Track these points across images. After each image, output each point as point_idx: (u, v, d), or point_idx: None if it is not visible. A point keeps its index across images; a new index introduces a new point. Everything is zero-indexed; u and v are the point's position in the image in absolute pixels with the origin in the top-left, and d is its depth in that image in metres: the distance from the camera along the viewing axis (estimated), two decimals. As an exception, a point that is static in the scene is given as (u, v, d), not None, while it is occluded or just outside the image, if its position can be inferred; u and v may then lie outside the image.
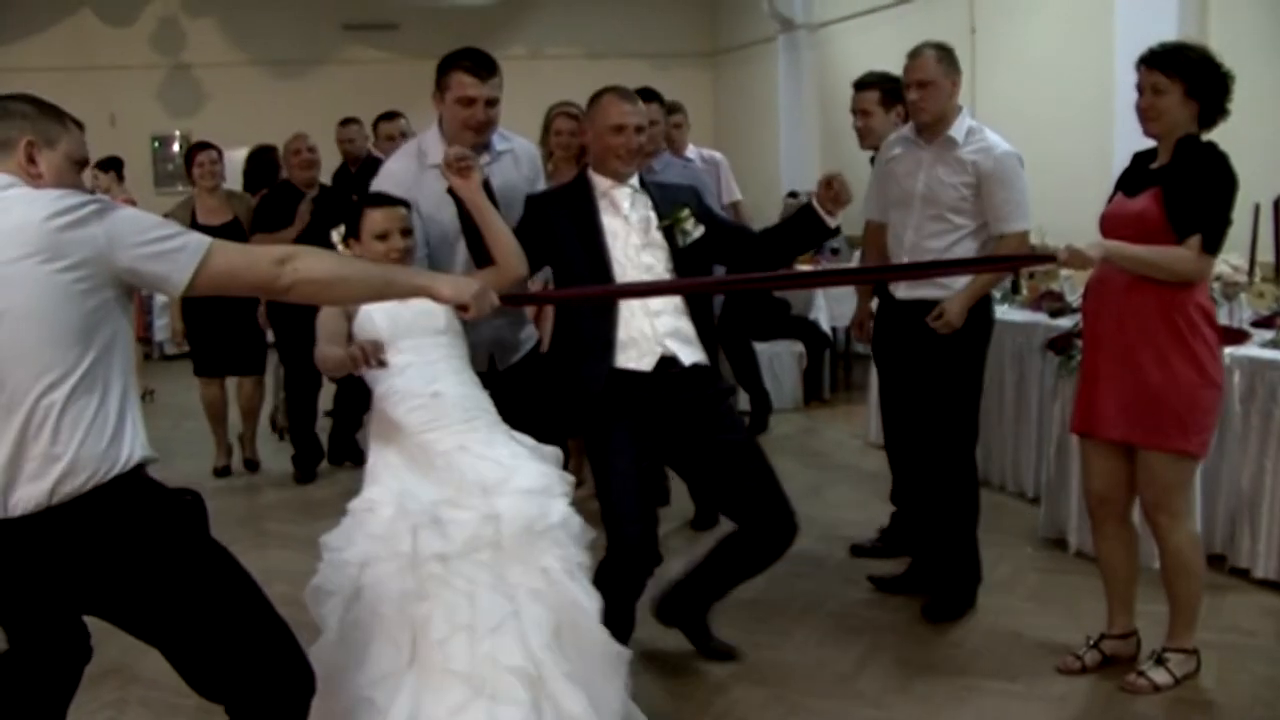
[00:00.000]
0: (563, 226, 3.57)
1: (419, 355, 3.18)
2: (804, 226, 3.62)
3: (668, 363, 3.51)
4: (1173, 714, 3.42)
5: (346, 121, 7.29)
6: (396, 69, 11.82)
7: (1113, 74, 6.55)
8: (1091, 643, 3.70)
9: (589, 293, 3.54)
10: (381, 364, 2.99)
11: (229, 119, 10.80)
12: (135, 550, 2.35)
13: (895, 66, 4.38)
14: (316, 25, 11.86)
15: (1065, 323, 5.07)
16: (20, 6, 11.25)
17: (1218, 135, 5.76)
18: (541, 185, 3.97)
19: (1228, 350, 4.36)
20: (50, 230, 2.20)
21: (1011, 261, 4.52)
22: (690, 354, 3.56)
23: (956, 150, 4.16)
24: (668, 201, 3.67)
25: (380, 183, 3.66)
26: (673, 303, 3.59)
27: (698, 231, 3.61)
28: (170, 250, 2.31)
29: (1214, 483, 4.47)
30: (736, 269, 3.86)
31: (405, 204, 3.38)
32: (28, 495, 2.25)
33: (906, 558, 4.53)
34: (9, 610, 2.48)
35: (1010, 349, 5.58)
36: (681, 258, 3.60)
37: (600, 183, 3.64)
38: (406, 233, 3.30)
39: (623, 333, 3.52)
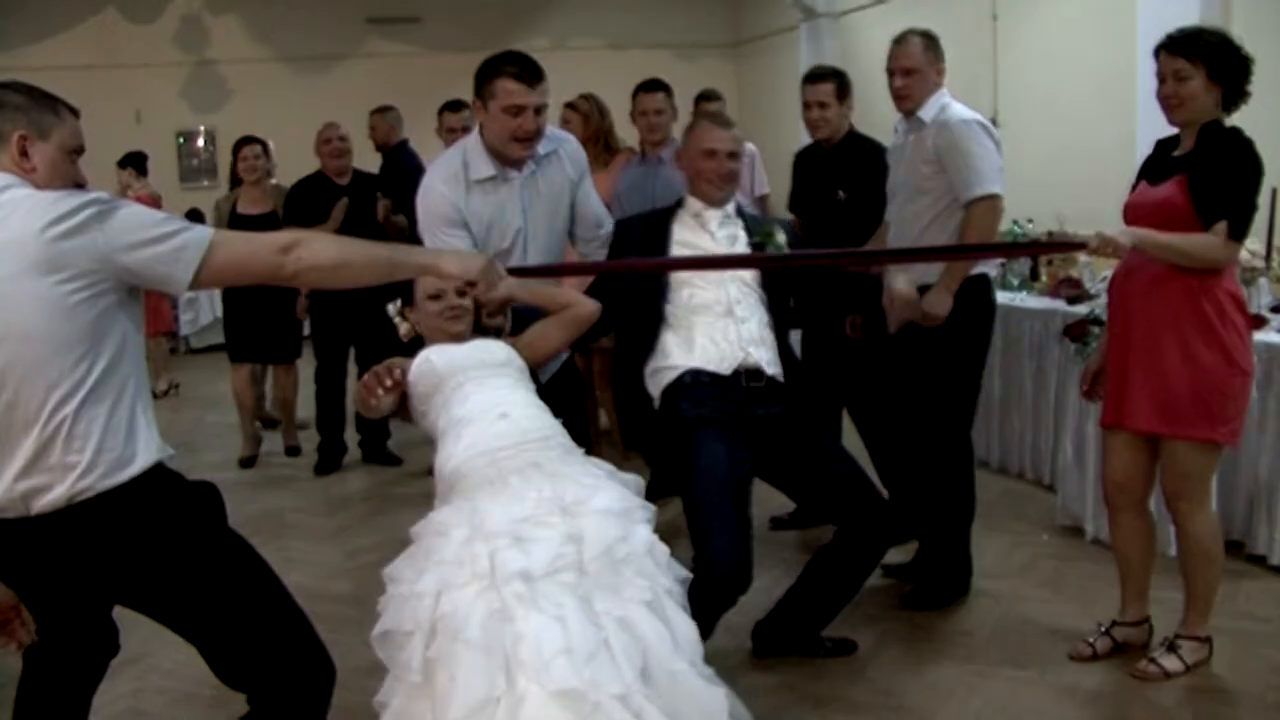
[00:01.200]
0: (641, 246, 3.64)
1: (480, 387, 2.99)
2: (854, 297, 3.75)
3: (752, 374, 3.49)
4: (1183, 700, 3.40)
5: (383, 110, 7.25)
6: (420, 63, 11.90)
7: (1135, 60, 6.50)
8: (1103, 629, 3.69)
9: (603, 266, 3.62)
10: (395, 384, 2.99)
11: (253, 115, 10.86)
12: (154, 542, 2.37)
13: None
14: (339, 20, 11.95)
15: (1083, 310, 5.04)
16: (45, 5, 11.37)
17: (1237, 119, 5.73)
18: (588, 177, 3.85)
19: (1244, 336, 4.34)
20: (48, 241, 2.16)
21: (1042, 248, 4.49)
22: (772, 366, 3.54)
23: (923, 129, 4.15)
24: (760, 230, 3.74)
25: (426, 200, 3.57)
26: (759, 314, 3.58)
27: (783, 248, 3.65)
28: (171, 249, 2.26)
29: (1232, 469, 4.44)
30: (802, 317, 3.83)
31: None
32: (47, 500, 2.27)
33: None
34: (35, 604, 2.50)
35: (1029, 336, 5.56)
36: (768, 283, 3.62)
37: (693, 204, 3.70)
38: (462, 293, 3.08)
39: (701, 335, 3.50)
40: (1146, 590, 3.69)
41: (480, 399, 2.93)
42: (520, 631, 2.42)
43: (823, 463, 3.54)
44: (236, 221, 6.35)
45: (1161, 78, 3.36)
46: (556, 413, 3.07)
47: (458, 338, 3.16)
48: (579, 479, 2.73)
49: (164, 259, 2.25)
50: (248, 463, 6.77)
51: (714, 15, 12.79)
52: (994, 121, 8.32)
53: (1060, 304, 5.44)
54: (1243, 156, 3.30)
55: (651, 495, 3.22)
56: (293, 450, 6.90)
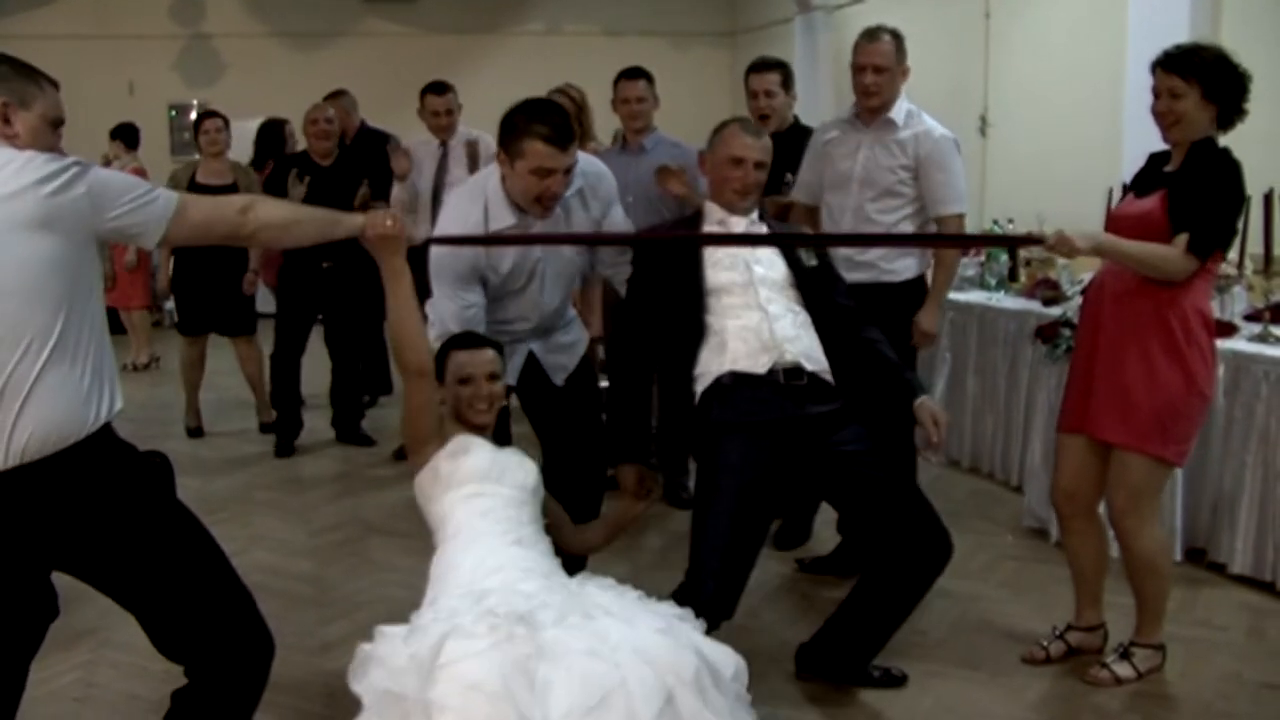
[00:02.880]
0: (666, 257, 3.47)
1: (500, 502, 2.85)
2: (891, 384, 3.45)
3: (791, 372, 3.29)
4: (1131, 706, 3.40)
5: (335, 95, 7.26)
6: (415, 43, 11.88)
7: (1124, 62, 6.51)
8: (1058, 633, 3.69)
9: (580, 238, 3.56)
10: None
11: (246, 90, 10.86)
12: (101, 507, 2.39)
13: (911, 48, 4.36)
14: (336, -2, 11.90)
15: (1056, 312, 5.03)
16: (43, -27, 11.33)
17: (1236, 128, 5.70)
18: (616, 207, 3.69)
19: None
20: (41, 197, 2.25)
21: (1001, 242, 4.52)
22: (814, 363, 3.35)
23: (895, 133, 4.22)
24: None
25: (443, 254, 3.39)
26: (794, 314, 3.40)
27: (813, 260, 3.56)
28: (145, 204, 2.40)
29: (1197, 476, 4.44)
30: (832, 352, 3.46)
31: (497, 346, 3.15)
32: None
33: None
34: None
35: (1004, 336, 5.55)
36: (809, 291, 3.47)
37: (714, 212, 3.54)
38: (494, 377, 3.04)
39: (733, 338, 3.33)
40: (1100, 595, 3.69)
41: (499, 520, 2.81)
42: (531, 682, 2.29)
43: (876, 473, 3.30)
44: (195, 190, 6.27)
45: (1156, 94, 3.34)
46: (572, 416, 3.09)
47: (482, 430, 3.03)
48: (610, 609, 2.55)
49: (138, 212, 2.39)
50: (194, 432, 6.83)
51: (710, 4, 12.74)
52: (983, 120, 8.39)
53: (1036, 305, 5.43)
54: (1224, 176, 3.28)
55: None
56: (266, 427, 6.87)
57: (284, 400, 6.54)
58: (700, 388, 3.33)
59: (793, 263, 3.49)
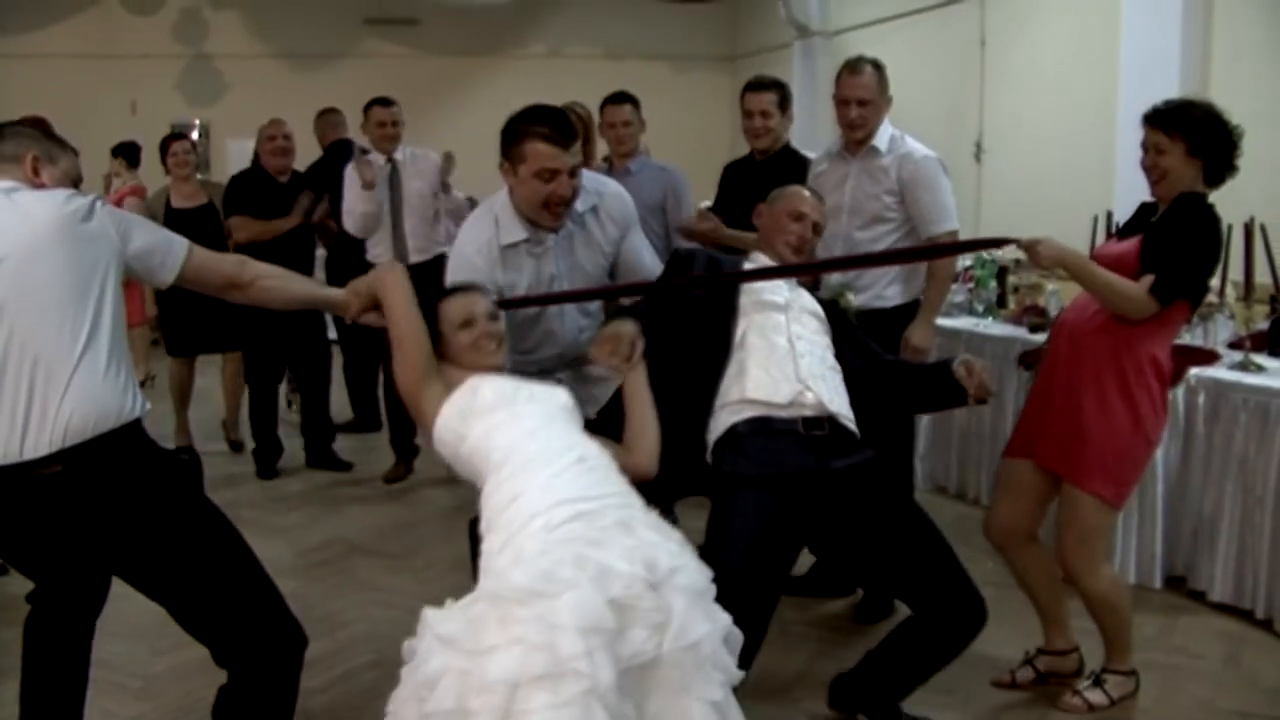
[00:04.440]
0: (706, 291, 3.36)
1: (546, 421, 2.58)
2: (940, 388, 3.30)
3: (811, 422, 3.12)
4: (1102, 733, 3.41)
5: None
6: (416, 64, 11.94)
7: (1116, 90, 6.56)
8: (1028, 658, 3.70)
9: (595, 293, 3.46)
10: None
11: (248, 110, 10.83)
12: (137, 497, 2.58)
13: (908, 75, 4.46)
14: (338, 19, 11.96)
15: (1041, 338, 5.05)
16: (48, -7, 11.41)
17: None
18: (636, 229, 3.59)
19: (1194, 371, 4.35)
20: (68, 220, 2.54)
21: (975, 246, 4.57)
22: (838, 406, 3.18)
23: (879, 159, 4.27)
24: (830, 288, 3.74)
25: (457, 272, 3.29)
26: (823, 353, 3.28)
27: (855, 306, 3.57)
28: (163, 249, 2.71)
29: (1177, 503, 4.46)
30: (870, 399, 3.35)
31: (480, 288, 2.99)
32: (41, 441, 2.48)
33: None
34: (22, 554, 2.71)
35: (989, 361, 5.54)
36: (843, 342, 3.38)
37: (760, 260, 3.46)
38: (494, 315, 2.86)
39: (755, 366, 3.18)
40: (1064, 619, 3.69)
41: (551, 436, 2.52)
42: None
43: (906, 533, 3.10)
44: (171, 215, 6.35)
45: (1145, 149, 3.38)
46: (616, 438, 2.78)
47: (498, 369, 2.81)
48: (666, 546, 2.36)
49: (158, 256, 2.69)
50: (183, 452, 6.79)
51: (710, 28, 12.79)
52: (978, 147, 8.42)
53: (1022, 331, 5.45)
54: (1202, 228, 3.30)
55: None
56: (237, 445, 6.92)
57: (262, 424, 6.50)
58: (716, 425, 3.18)
59: (834, 318, 3.43)
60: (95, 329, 2.53)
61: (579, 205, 3.32)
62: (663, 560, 2.27)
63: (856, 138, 4.28)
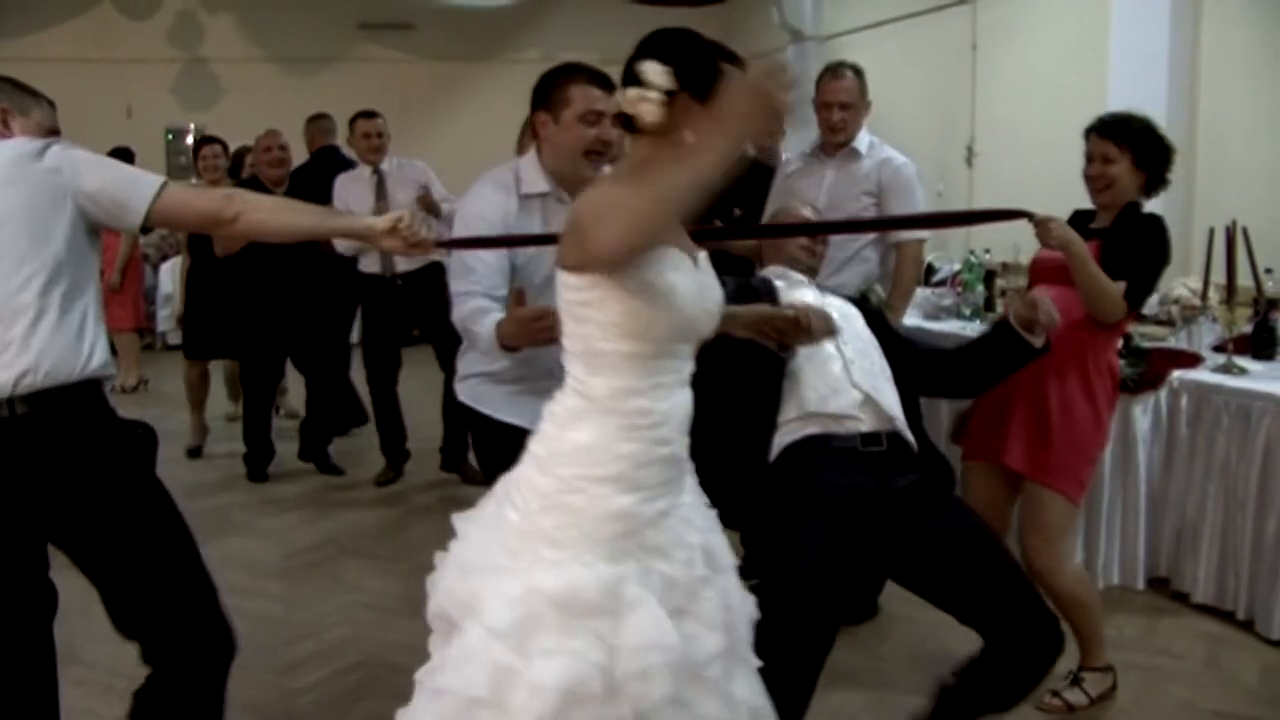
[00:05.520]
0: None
1: (679, 377, 2.21)
2: (1005, 348, 3.14)
3: (867, 439, 2.99)
4: (1080, 734, 3.43)
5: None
6: (412, 69, 11.98)
7: (1105, 94, 6.56)
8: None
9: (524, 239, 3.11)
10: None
11: (243, 114, 10.88)
12: (84, 461, 2.46)
13: (900, 79, 4.56)
14: (333, 24, 11.95)
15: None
16: (43, -2, 11.43)
17: (1211, 160, 5.80)
18: None
19: (1178, 374, 4.38)
20: (23, 165, 2.45)
21: (990, 217, 4.60)
22: (895, 412, 3.05)
23: (859, 162, 4.39)
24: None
25: (466, 222, 3.16)
26: (875, 359, 3.16)
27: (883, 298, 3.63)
28: (128, 181, 2.53)
29: (1161, 505, 4.48)
30: (930, 391, 3.32)
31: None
32: None
33: None
34: None
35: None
36: (886, 339, 3.26)
37: (773, 269, 3.48)
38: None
39: (811, 373, 3.06)
40: None
41: (680, 401, 2.21)
42: None
43: (974, 557, 2.90)
44: None
45: (1089, 158, 3.48)
46: None
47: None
48: (709, 512, 2.31)
49: (122, 189, 2.51)
50: (194, 452, 6.88)
51: (704, 32, 12.80)
52: (970, 150, 8.44)
53: (1009, 334, 5.45)
54: (1158, 241, 3.41)
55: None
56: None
57: (256, 427, 6.51)
58: (781, 442, 3.04)
59: (870, 318, 3.34)
60: (54, 275, 2.43)
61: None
62: (719, 550, 2.25)
63: (838, 140, 4.39)
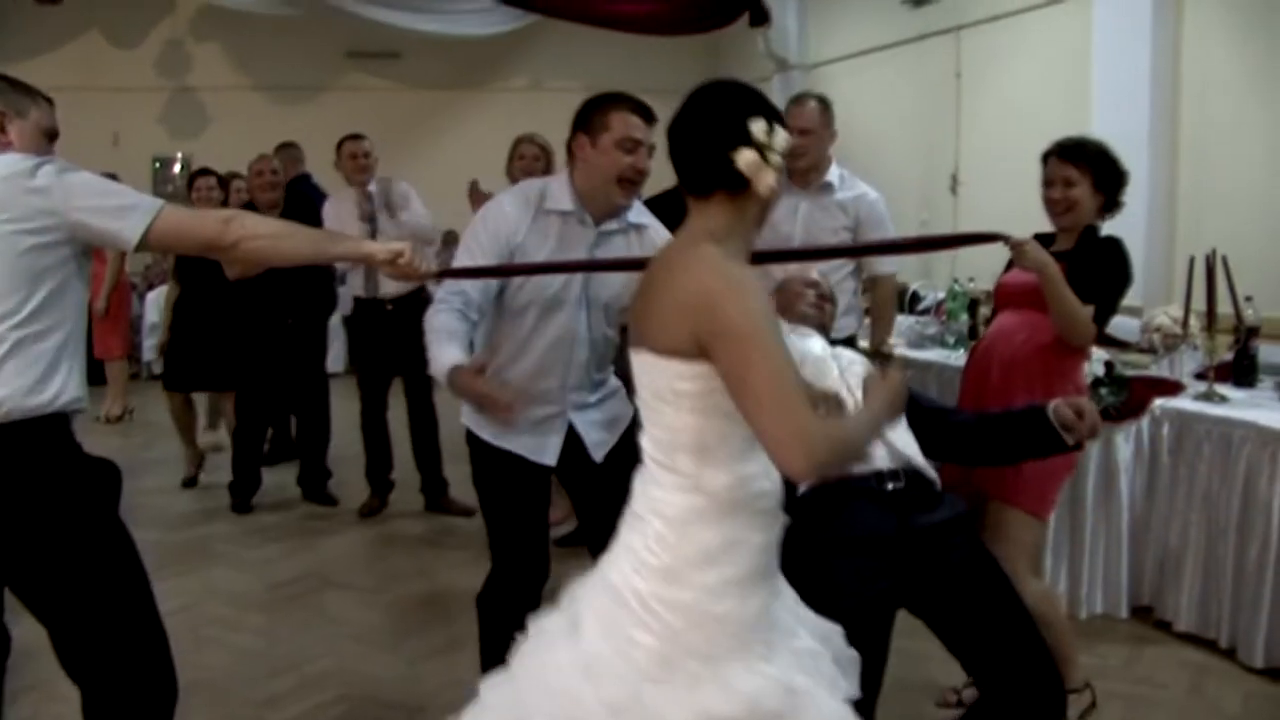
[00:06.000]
0: None
1: None
2: (1034, 437, 3.04)
3: (887, 475, 2.89)
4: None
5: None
6: (398, 97, 12.00)
7: (1089, 122, 6.59)
8: (971, 680, 3.70)
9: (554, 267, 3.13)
10: None
11: (230, 142, 10.89)
12: (39, 499, 2.41)
13: (885, 107, 4.64)
14: (320, 52, 11.97)
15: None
16: (29, 25, 11.41)
17: (1194, 187, 5.81)
18: None
19: (1159, 402, 4.38)
20: (13, 177, 2.38)
21: (964, 241, 4.63)
22: (910, 450, 2.98)
23: (834, 194, 4.50)
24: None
25: (489, 216, 3.20)
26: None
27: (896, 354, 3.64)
28: (123, 206, 2.47)
29: (1143, 533, 4.48)
30: (939, 454, 3.14)
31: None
32: None
33: None
34: None
35: (954, 394, 5.57)
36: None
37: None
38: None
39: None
40: None
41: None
42: None
43: (983, 603, 2.82)
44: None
45: (1049, 182, 3.56)
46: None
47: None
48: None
49: (115, 214, 2.45)
50: (189, 483, 6.82)
51: (691, 61, 12.83)
52: (954, 179, 8.48)
53: (992, 363, 5.46)
54: (1121, 264, 3.46)
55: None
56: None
57: (245, 458, 6.47)
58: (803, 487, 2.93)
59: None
60: (29, 315, 2.39)
61: (632, 216, 3.22)
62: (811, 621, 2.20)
63: (799, 165, 4.45)
